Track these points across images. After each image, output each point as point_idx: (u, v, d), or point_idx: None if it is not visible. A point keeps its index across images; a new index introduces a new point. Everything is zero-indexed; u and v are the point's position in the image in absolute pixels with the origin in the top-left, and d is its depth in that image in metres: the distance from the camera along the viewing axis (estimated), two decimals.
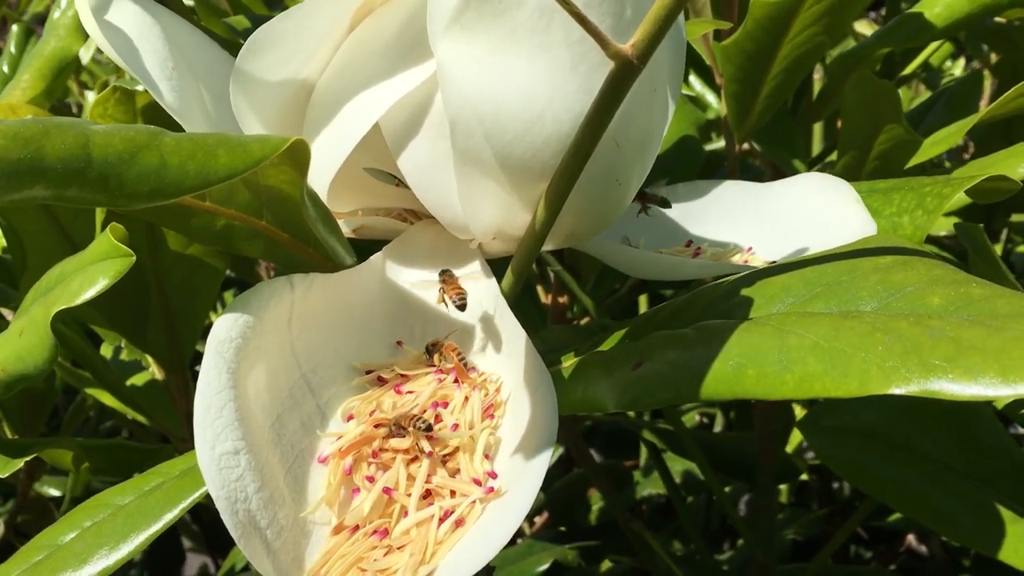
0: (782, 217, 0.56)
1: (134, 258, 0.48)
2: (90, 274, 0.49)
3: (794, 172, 0.83)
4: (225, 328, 0.38)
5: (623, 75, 0.36)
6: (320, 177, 0.44)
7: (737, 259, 0.53)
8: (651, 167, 0.46)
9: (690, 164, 0.79)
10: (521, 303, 0.77)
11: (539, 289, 0.76)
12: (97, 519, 0.49)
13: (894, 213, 0.56)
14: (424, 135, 0.43)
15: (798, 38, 0.70)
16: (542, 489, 1.02)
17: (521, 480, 0.37)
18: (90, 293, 0.48)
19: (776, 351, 0.37)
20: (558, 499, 0.97)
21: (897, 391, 0.33)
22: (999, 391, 0.32)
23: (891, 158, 0.76)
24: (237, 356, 0.37)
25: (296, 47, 0.43)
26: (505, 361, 0.43)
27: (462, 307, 0.42)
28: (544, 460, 0.37)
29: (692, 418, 1.27)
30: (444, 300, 0.43)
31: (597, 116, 0.37)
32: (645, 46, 0.35)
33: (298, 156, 0.39)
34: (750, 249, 0.54)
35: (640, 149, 0.44)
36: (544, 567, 0.84)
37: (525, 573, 0.83)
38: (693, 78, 0.90)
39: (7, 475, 0.58)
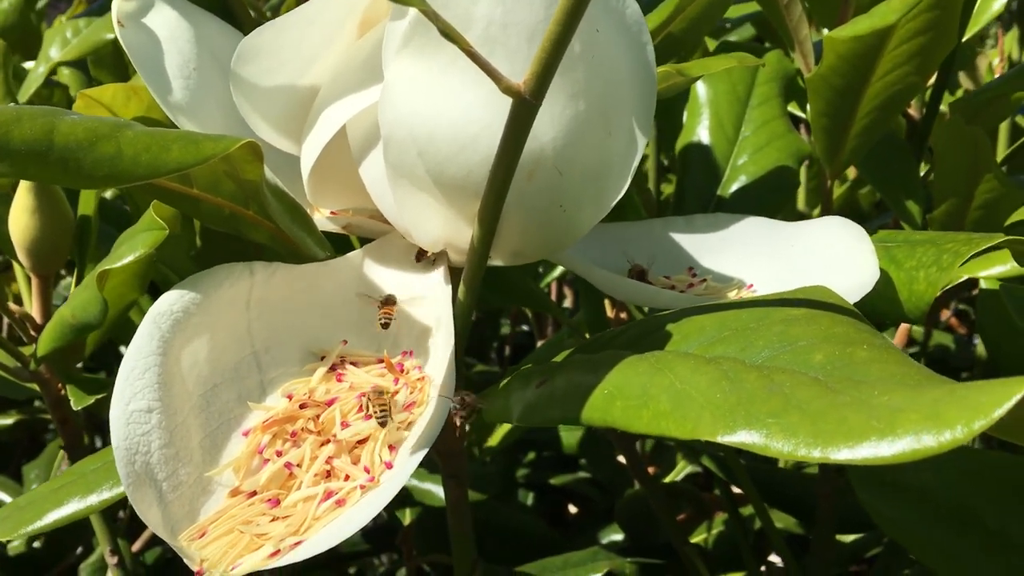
0: (793, 257, 0.55)
1: (167, 231, 0.54)
2: (133, 243, 0.56)
3: (906, 213, 0.80)
4: (168, 302, 0.43)
5: (519, 110, 0.38)
6: (303, 175, 0.49)
7: (733, 294, 0.53)
8: (614, 198, 0.48)
9: (782, 194, 0.78)
10: (590, 316, 0.79)
11: (606, 303, 0.77)
12: None
13: (914, 267, 0.54)
14: (380, 147, 0.46)
15: (888, 76, 0.68)
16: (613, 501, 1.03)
17: (393, 475, 0.40)
18: (129, 259, 0.55)
19: (641, 386, 0.38)
20: (625, 512, 0.97)
21: (721, 439, 0.34)
22: (809, 452, 0.32)
23: (994, 209, 0.73)
24: (173, 328, 0.42)
25: (284, 56, 0.47)
26: (440, 366, 0.46)
27: (385, 325, 0.46)
28: (415, 461, 0.40)
29: None
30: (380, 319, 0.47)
31: (505, 146, 0.39)
32: (535, 83, 0.37)
33: (258, 154, 0.43)
34: (751, 286, 0.54)
35: (590, 180, 0.46)
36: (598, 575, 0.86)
37: None
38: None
39: (80, 408, 0.66)
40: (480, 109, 0.42)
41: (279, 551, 0.39)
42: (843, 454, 0.31)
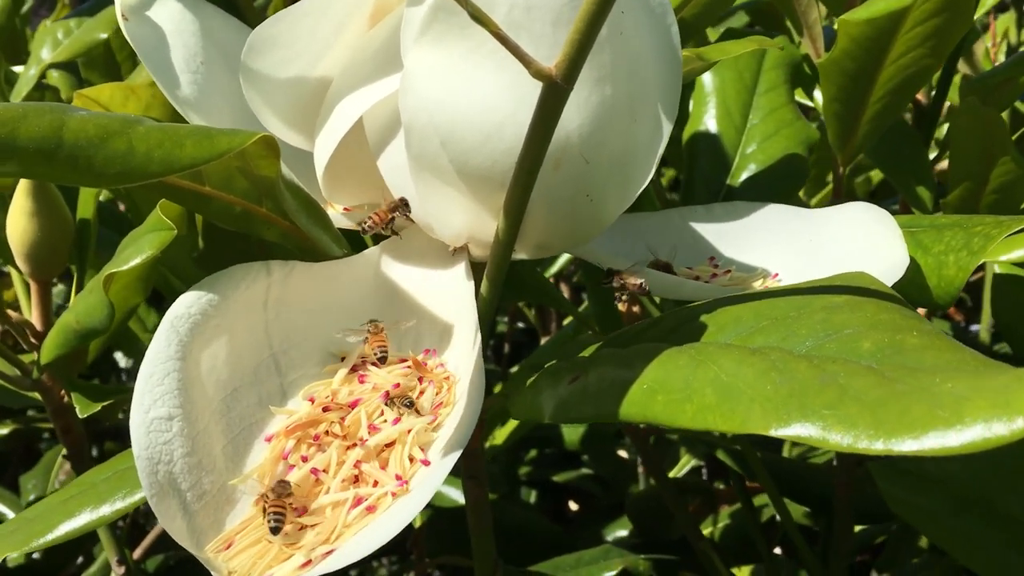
0: (819, 245, 0.54)
1: (175, 232, 0.53)
2: (139, 244, 0.54)
3: (916, 200, 0.79)
4: (185, 304, 0.41)
5: (550, 95, 0.36)
6: (317, 170, 0.47)
7: (758, 284, 0.52)
8: (639, 186, 0.46)
9: (792, 182, 0.77)
10: (600, 310, 0.77)
11: None
12: (129, 465, 0.54)
13: (942, 251, 0.53)
14: (400, 139, 0.44)
15: (902, 60, 0.67)
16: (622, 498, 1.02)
17: (425, 480, 0.38)
18: (135, 261, 0.53)
19: (683, 380, 0.36)
20: (636, 507, 0.96)
21: (775, 433, 0.33)
22: (870, 444, 0.31)
23: (1009, 192, 0.72)
24: (192, 331, 0.41)
25: (297, 48, 0.46)
26: (465, 364, 0.44)
27: (383, 359, 0.44)
28: (448, 464, 0.38)
29: None
30: (368, 351, 0.44)
31: (534, 133, 0.38)
32: (567, 67, 0.36)
33: (274, 149, 0.42)
34: (776, 275, 0.53)
35: (616, 167, 0.44)
36: (612, 573, 0.84)
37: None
38: (818, 93, 0.87)
39: (85, 416, 0.64)
40: (504, 96, 0.41)
41: (310, 561, 0.37)
42: (907, 445, 0.30)
